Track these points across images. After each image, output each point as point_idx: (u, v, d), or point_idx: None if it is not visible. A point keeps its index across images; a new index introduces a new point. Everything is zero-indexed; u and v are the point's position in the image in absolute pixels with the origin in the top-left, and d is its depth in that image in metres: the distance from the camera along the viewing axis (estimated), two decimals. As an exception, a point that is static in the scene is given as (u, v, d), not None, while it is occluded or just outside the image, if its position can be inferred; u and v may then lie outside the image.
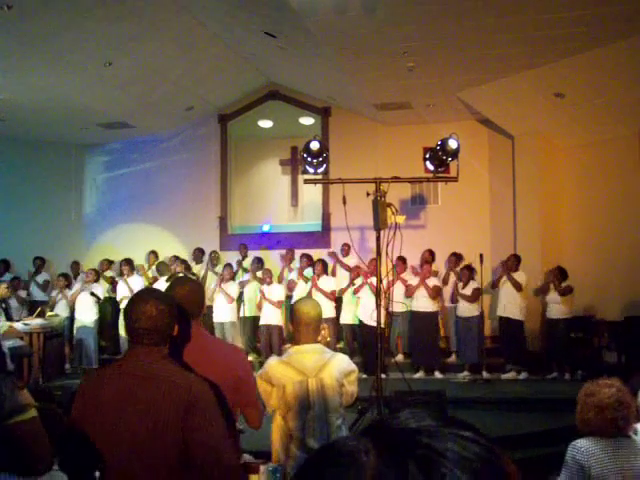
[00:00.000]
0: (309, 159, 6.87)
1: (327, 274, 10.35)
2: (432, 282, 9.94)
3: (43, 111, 11.13)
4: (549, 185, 11.04)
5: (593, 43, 8.18)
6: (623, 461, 2.95)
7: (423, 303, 9.82)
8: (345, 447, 0.67)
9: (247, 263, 11.37)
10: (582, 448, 2.97)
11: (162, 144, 13.10)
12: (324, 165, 6.98)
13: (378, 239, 6.51)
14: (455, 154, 6.64)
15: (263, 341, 10.21)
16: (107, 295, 11.22)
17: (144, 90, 10.95)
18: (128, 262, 11.20)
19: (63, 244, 12.78)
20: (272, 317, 10.11)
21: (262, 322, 10.19)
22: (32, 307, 10.67)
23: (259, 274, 10.62)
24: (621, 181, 10.30)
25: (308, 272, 10.55)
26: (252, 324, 10.64)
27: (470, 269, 9.95)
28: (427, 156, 6.89)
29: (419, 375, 9.68)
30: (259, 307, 10.33)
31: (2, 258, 11.75)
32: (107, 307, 11.11)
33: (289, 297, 10.30)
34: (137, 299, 2.50)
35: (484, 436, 0.67)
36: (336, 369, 3.37)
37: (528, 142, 10.98)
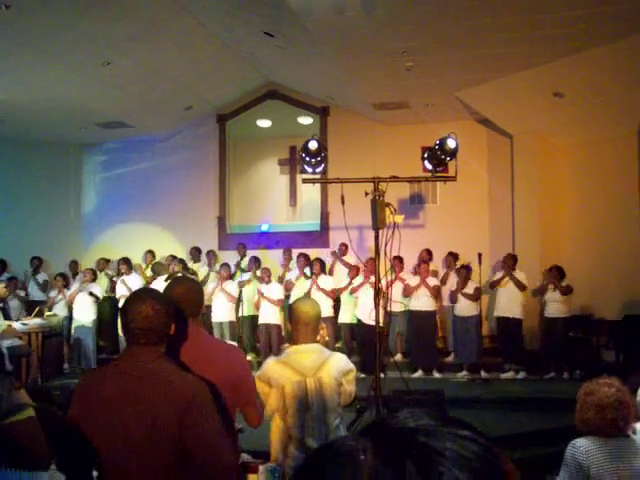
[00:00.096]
0: (308, 159, 6.87)
1: (325, 274, 10.35)
2: (432, 282, 9.95)
3: (41, 111, 11.12)
4: (548, 184, 11.04)
5: (592, 43, 8.18)
6: (622, 460, 2.95)
7: (422, 302, 9.82)
8: (343, 446, 0.68)
9: (245, 263, 11.36)
10: (581, 447, 2.97)
11: (161, 144, 13.09)
12: (322, 165, 6.97)
13: (377, 238, 6.50)
14: (454, 154, 6.64)
15: (262, 340, 10.21)
16: (106, 295, 11.21)
17: (143, 90, 10.94)
18: (126, 261, 11.19)
19: (61, 244, 12.77)
20: (271, 316, 10.11)
21: (261, 321, 10.19)
22: (30, 307, 10.66)
23: (258, 273, 10.62)
24: (619, 180, 10.31)
25: (306, 272, 10.56)
26: (251, 323, 10.64)
27: (467, 268, 9.96)
28: (425, 155, 6.88)
29: (418, 374, 9.68)
30: (257, 306, 10.34)
31: (0, 258, 11.73)
32: (106, 306, 11.11)
33: (287, 297, 10.30)
34: (133, 299, 2.50)
35: (482, 435, 0.67)
36: (334, 368, 3.37)
37: (527, 141, 10.98)
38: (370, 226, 6.69)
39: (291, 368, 3.33)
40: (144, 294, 2.57)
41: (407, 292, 9.90)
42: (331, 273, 10.74)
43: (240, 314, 10.49)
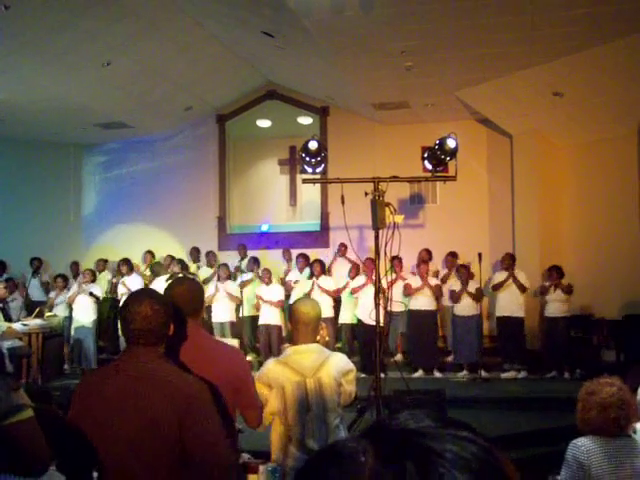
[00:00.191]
0: (307, 159, 6.86)
1: (325, 274, 10.34)
2: (433, 282, 9.95)
3: (41, 111, 11.12)
4: (547, 184, 11.04)
5: (591, 42, 8.18)
6: (623, 460, 2.95)
7: (422, 302, 9.81)
8: (344, 448, 0.68)
9: (244, 264, 11.36)
10: (583, 447, 2.96)
11: (160, 144, 13.10)
12: (322, 165, 6.97)
13: (377, 238, 6.50)
14: (453, 153, 6.63)
15: (262, 341, 10.20)
16: (105, 295, 11.20)
17: (142, 90, 10.94)
18: (126, 262, 11.20)
19: (61, 244, 12.77)
20: (271, 317, 10.11)
21: (261, 322, 10.19)
22: (31, 307, 10.65)
23: (259, 273, 10.62)
24: (619, 180, 10.31)
25: (306, 272, 10.56)
26: (251, 324, 10.64)
27: (466, 268, 9.97)
28: (425, 155, 6.88)
29: (418, 374, 9.67)
30: (257, 308, 10.35)
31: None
32: (106, 307, 11.10)
33: (288, 297, 10.30)
34: (132, 300, 2.49)
35: (483, 437, 0.67)
36: (334, 368, 3.36)
37: (526, 141, 10.98)
38: (370, 226, 6.69)
39: (291, 369, 3.33)
40: (142, 295, 2.57)
41: (408, 291, 9.88)
42: (329, 271, 10.70)
43: (241, 314, 10.49)
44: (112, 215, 13.22)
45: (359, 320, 9.76)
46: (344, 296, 10.22)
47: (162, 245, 12.47)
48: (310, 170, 7.00)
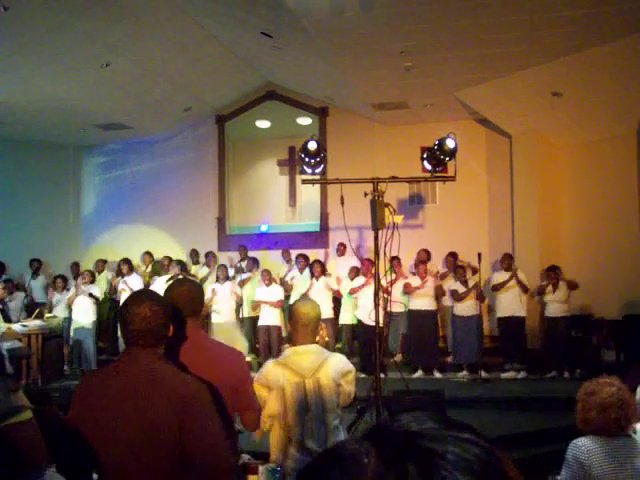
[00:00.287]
0: (307, 159, 6.85)
1: (325, 275, 10.34)
2: (433, 282, 9.94)
3: (40, 112, 11.11)
4: (547, 184, 11.04)
5: (590, 42, 8.18)
6: (624, 460, 2.95)
7: (422, 302, 9.80)
8: (347, 450, 0.68)
9: (244, 265, 11.35)
10: (583, 447, 2.96)
11: (160, 145, 13.09)
12: (322, 165, 6.96)
13: (376, 239, 6.49)
14: (453, 153, 6.63)
15: (262, 342, 10.20)
16: (105, 296, 11.19)
17: (142, 91, 10.94)
18: (126, 261, 11.19)
19: (61, 245, 12.77)
20: (271, 317, 10.11)
21: (261, 322, 10.19)
22: (30, 308, 10.64)
23: (257, 274, 10.62)
24: (619, 180, 10.31)
25: (306, 272, 10.56)
26: (251, 324, 10.63)
27: (464, 268, 9.98)
28: (425, 156, 6.87)
29: (418, 375, 9.67)
30: (254, 308, 10.35)
31: (-1, 260, 11.71)
32: (105, 308, 11.09)
33: (287, 297, 10.29)
34: (131, 301, 2.49)
35: (485, 438, 0.67)
36: (333, 369, 3.36)
37: (526, 141, 10.98)
38: (369, 226, 6.68)
39: (290, 370, 3.33)
40: (142, 296, 2.57)
41: (407, 290, 9.86)
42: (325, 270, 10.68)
43: (241, 315, 10.49)
44: (111, 216, 13.22)
45: (359, 321, 9.76)
46: (344, 297, 10.21)
47: (161, 246, 12.46)
48: (309, 171, 6.99)
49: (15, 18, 7.93)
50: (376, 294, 6.35)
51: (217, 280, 10.48)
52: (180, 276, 10.06)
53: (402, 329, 10.16)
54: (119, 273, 11.30)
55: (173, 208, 12.75)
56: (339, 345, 10.21)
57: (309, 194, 11.87)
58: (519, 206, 11.08)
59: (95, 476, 2.44)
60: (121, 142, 13.22)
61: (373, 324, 6.53)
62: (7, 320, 9.31)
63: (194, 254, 12.05)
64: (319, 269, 10.10)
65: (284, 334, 10.13)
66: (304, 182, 7.54)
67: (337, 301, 10.25)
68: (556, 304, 9.61)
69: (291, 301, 9.47)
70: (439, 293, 9.96)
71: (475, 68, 9.20)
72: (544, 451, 5.90)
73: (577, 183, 10.96)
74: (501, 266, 10.00)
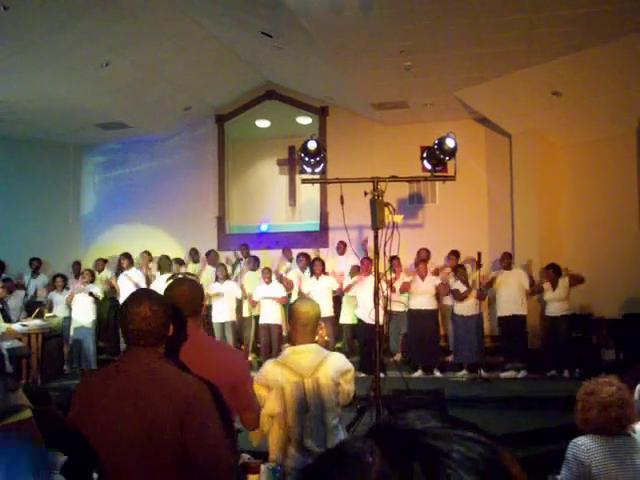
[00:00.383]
0: (307, 159, 6.86)
1: (326, 274, 10.33)
2: (437, 281, 9.93)
3: (40, 112, 11.11)
4: (546, 183, 11.05)
5: (590, 41, 8.18)
6: (623, 459, 2.95)
7: (423, 301, 9.80)
8: (351, 448, 0.68)
9: (244, 264, 11.34)
10: (583, 446, 2.96)
11: (160, 144, 13.09)
12: (322, 165, 6.97)
13: (376, 238, 6.49)
14: (452, 153, 6.63)
15: (263, 341, 10.19)
16: (105, 295, 11.17)
17: (141, 90, 10.93)
18: (127, 256, 11.16)
19: (61, 245, 12.76)
20: (272, 316, 10.10)
21: (262, 321, 10.18)
22: (30, 308, 10.63)
23: (258, 273, 10.61)
24: (618, 179, 10.31)
25: (307, 271, 10.57)
26: (252, 324, 10.63)
27: (465, 268, 9.98)
28: (424, 155, 6.87)
29: (418, 374, 9.66)
30: (253, 304, 10.34)
31: (-2, 259, 11.70)
32: (105, 307, 11.08)
33: (288, 296, 10.29)
34: (131, 301, 2.49)
35: (490, 437, 0.67)
36: (331, 368, 3.36)
37: (525, 141, 10.98)
38: (369, 226, 6.69)
39: (289, 369, 3.33)
40: (141, 296, 2.56)
41: (404, 288, 9.83)
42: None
43: (243, 314, 10.51)
44: (111, 215, 13.22)
45: (359, 320, 9.75)
46: (345, 296, 10.20)
47: (161, 245, 12.44)
48: (309, 170, 7.00)
49: (15, 18, 7.93)
50: (376, 293, 6.36)
51: (217, 280, 10.48)
52: (180, 275, 10.06)
53: (403, 329, 10.15)
54: (119, 268, 11.27)
55: (173, 207, 12.75)
56: (339, 344, 10.21)
57: (309, 193, 11.87)
58: (519, 205, 11.08)
59: (95, 476, 2.44)
60: (121, 142, 13.22)
61: (373, 323, 6.54)
62: (7, 319, 9.30)
63: (194, 253, 12.03)
64: (320, 268, 10.08)
65: (284, 333, 10.13)
66: (304, 181, 7.54)
67: (338, 300, 10.24)
68: (556, 303, 9.59)
69: (292, 300, 9.47)
70: (440, 292, 9.93)
71: (475, 67, 9.20)
72: (544, 450, 5.90)
73: (577, 182, 10.96)
74: (501, 265, 10.00)
